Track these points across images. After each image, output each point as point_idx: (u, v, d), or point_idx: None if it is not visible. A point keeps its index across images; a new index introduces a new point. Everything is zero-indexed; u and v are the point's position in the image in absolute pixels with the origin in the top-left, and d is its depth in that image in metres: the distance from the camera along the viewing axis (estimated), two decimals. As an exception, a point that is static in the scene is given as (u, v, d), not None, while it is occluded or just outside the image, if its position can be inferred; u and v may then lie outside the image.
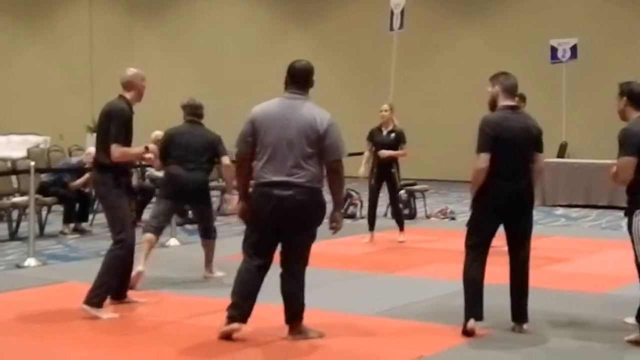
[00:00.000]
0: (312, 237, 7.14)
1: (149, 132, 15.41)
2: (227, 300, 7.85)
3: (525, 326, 7.42)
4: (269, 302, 7.23)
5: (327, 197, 7.07)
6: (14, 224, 12.96)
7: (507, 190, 7.22)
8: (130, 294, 8.40)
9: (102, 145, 7.91)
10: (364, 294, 9.17)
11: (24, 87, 28.07)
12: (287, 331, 7.14)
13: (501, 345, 7.11)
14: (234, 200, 9.56)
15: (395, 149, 12.43)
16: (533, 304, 7.54)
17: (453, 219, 15.48)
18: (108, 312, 7.83)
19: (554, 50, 19.99)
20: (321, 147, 6.96)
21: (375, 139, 12.51)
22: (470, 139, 20.44)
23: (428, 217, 15.72)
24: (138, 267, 9.04)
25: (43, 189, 13.10)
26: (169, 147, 9.67)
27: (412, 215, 15.34)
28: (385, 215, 13.94)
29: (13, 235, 12.76)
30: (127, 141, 7.91)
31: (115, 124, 7.86)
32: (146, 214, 14.45)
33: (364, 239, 12.58)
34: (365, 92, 23.17)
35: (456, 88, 22.77)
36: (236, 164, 7.40)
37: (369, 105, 22.66)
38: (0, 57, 28.68)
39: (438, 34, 23.14)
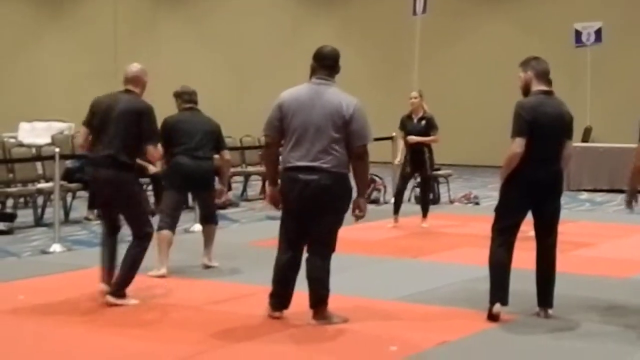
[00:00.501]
0: (338, 222, 7.13)
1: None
2: (249, 286, 7.92)
3: (550, 311, 7.40)
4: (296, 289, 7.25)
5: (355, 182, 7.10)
6: (39, 210, 13.02)
7: (538, 176, 7.18)
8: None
9: (127, 144, 7.68)
10: (388, 278, 9.17)
11: (48, 73, 28.17)
12: (312, 316, 7.15)
13: (526, 330, 7.09)
14: (223, 191, 9.72)
15: (427, 135, 12.40)
16: (558, 288, 7.52)
17: (477, 204, 15.45)
18: (131, 299, 7.84)
19: (578, 34, 19.88)
20: (347, 132, 6.96)
21: (407, 127, 12.48)
22: (493, 124, 20.65)
23: (452, 202, 15.69)
24: (161, 269, 9.07)
25: (68, 175, 13.15)
26: (170, 136, 9.34)
27: (435, 200, 15.32)
28: (409, 200, 13.92)
29: (38, 222, 12.82)
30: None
31: (153, 123, 7.81)
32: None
33: (389, 223, 12.58)
34: (389, 77, 23.13)
35: (479, 73, 22.70)
36: (265, 149, 7.47)
37: (392, 90, 22.70)
38: (24, 43, 28.78)
39: (462, 19, 23.04)
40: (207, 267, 9.55)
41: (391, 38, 23.24)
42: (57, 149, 11.55)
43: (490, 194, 15.91)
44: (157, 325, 7.29)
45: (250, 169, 16.57)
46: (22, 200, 14.22)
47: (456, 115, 22.01)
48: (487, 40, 22.73)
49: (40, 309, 7.68)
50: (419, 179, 13.06)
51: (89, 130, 7.91)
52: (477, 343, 6.81)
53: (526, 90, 7.36)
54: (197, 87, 9.96)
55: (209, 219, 9.73)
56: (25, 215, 13.09)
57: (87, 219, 13.27)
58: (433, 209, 13.07)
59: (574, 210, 14.87)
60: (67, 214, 13.25)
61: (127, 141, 7.67)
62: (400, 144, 12.72)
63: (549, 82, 7.41)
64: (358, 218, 7.17)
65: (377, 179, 15.78)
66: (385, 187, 15.72)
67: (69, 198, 13.54)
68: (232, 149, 14.52)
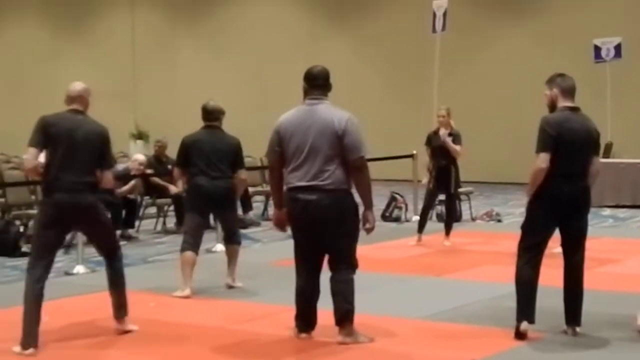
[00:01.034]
0: (351, 238, 7.14)
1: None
2: (272, 306, 7.91)
3: (578, 329, 7.35)
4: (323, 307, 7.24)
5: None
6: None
7: (564, 192, 7.14)
8: None
9: (92, 166, 7.33)
10: (412, 297, 9.13)
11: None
12: (337, 332, 7.14)
13: (554, 348, 7.05)
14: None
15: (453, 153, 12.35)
16: (585, 305, 7.46)
17: (499, 221, 15.38)
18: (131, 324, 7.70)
19: (597, 49, 19.81)
20: (342, 147, 7.00)
21: (433, 143, 12.45)
22: (513, 140, 20.57)
23: (473, 219, 15.62)
24: (185, 290, 9.08)
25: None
26: (188, 156, 9.35)
27: (457, 218, 15.25)
28: (430, 218, 13.89)
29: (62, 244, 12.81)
30: None
31: (110, 149, 7.57)
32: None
33: (411, 241, 12.55)
34: (408, 95, 23.11)
35: (499, 90, 22.65)
36: (268, 173, 7.56)
37: (411, 107, 22.69)
38: (41, 61, 28.89)
39: (480, 36, 23.02)
40: (231, 287, 9.53)
41: (409, 55, 23.22)
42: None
43: (511, 211, 15.87)
44: (183, 345, 7.28)
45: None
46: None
47: (476, 131, 21.90)
48: (506, 56, 22.69)
49: (66, 330, 7.70)
50: (441, 197, 13.03)
51: (38, 151, 7.30)
52: (505, 361, 6.77)
53: (552, 108, 7.33)
54: (215, 104, 9.89)
55: (231, 239, 9.66)
56: (47, 237, 13.07)
57: (109, 239, 13.26)
58: (455, 227, 13.03)
59: (598, 226, 14.77)
60: (89, 235, 13.24)
61: (94, 165, 7.35)
62: (425, 161, 12.66)
63: (574, 99, 7.39)
64: (368, 231, 7.19)
65: (398, 197, 15.75)
66: (406, 205, 15.68)
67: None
68: (252, 168, 14.57)
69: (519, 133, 19.44)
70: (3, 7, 29.99)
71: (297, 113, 7.20)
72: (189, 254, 9.21)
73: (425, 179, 12.57)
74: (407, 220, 15.31)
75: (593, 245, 11.78)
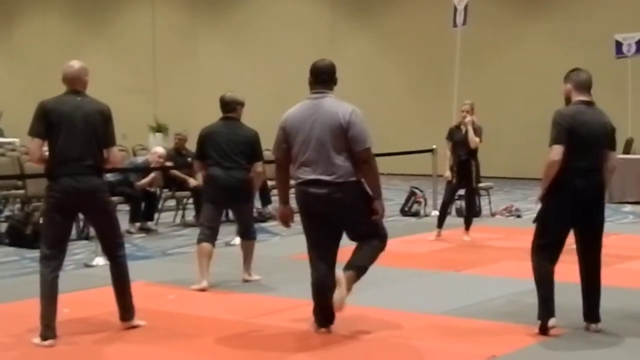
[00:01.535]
0: (370, 220, 7.05)
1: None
2: (290, 299, 7.91)
3: (598, 325, 7.31)
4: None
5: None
6: (82, 224, 13.07)
7: (579, 187, 7.08)
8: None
9: (96, 148, 7.17)
10: (432, 292, 9.10)
11: (88, 86, 28.33)
12: (342, 270, 7.03)
13: (575, 344, 7.00)
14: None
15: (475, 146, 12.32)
16: (605, 302, 7.42)
17: (519, 216, 15.33)
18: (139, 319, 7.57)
19: (619, 45, 19.70)
20: (347, 139, 6.98)
21: (454, 138, 12.41)
22: (533, 136, 20.47)
23: (493, 214, 15.58)
24: (202, 283, 9.08)
25: (109, 189, 13.15)
26: (204, 147, 9.34)
27: (477, 213, 15.22)
28: (450, 213, 13.86)
29: (81, 235, 12.86)
30: None
31: (112, 125, 7.29)
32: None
33: (431, 236, 12.53)
34: (429, 89, 23.07)
35: (520, 86, 22.58)
36: (275, 169, 7.51)
37: (432, 102, 22.65)
38: (64, 57, 28.82)
39: (501, 32, 22.94)
40: (247, 281, 9.51)
41: (430, 50, 23.16)
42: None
43: (531, 207, 15.77)
44: (201, 337, 7.28)
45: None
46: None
47: (496, 127, 21.87)
48: (527, 52, 22.61)
49: (85, 322, 7.71)
50: (460, 192, 13.00)
51: (42, 140, 7.15)
52: (527, 358, 6.73)
53: (568, 102, 7.32)
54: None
55: (245, 234, 9.56)
56: (67, 229, 13.13)
57: (128, 232, 13.30)
58: (475, 222, 13.00)
59: (618, 222, 14.71)
60: (108, 227, 13.27)
61: (98, 146, 7.18)
62: (447, 155, 12.62)
63: (589, 93, 7.35)
64: (377, 220, 7.16)
65: (417, 191, 15.72)
66: (425, 199, 15.65)
67: (110, 211, 13.56)
68: (271, 162, 14.54)
69: (539, 129, 19.28)
70: (25, 2, 30.10)
71: (302, 108, 7.19)
72: (204, 245, 9.19)
73: (447, 173, 12.52)
74: (426, 215, 15.28)
75: (613, 241, 11.81)
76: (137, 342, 7.16)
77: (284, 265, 10.35)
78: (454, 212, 14.45)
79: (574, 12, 22.31)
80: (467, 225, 12.56)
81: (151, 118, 25.91)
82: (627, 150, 19.39)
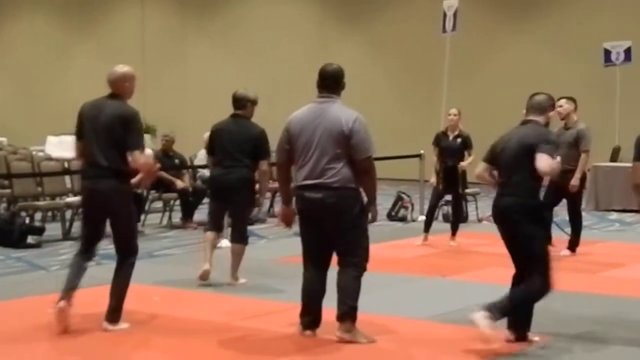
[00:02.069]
0: (360, 235, 7.11)
1: (199, 131, 15.42)
2: (277, 303, 7.89)
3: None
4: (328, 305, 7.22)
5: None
6: (68, 224, 13.05)
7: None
8: None
9: (116, 150, 7.26)
10: (418, 297, 9.10)
11: (75, 87, 28.25)
12: (337, 327, 7.11)
13: (558, 352, 7.01)
14: (265, 204, 9.65)
15: (462, 153, 12.37)
16: (591, 310, 7.45)
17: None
18: (123, 322, 7.54)
19: (607, 53, 19.74)
20: (349, 147, 6.99)
21: (441, 144, 12.43)
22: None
23: (480, 220, 15.58)
24: (204, 265, 9.29)
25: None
26: (212, 145, 9.54)
27: (463, 219, 15.22)
28: (436, 218, 13.86)
29: (66, 235, 12.84)
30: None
31: (137, 129, 7.34)
32: (196, 215, 14.57)
33: (417, 241, 12.53)
34: (418, 95, 23.08)
35: (508, 92, 22.53)
36: (276, 170, 7.58)
37: (421, 107, 22.66)
38: (52, 57, 28.93)
39: (491, 39, 22.97)
40: (232, 285, 9.47)
41: (419, 56, 23.18)
42: (86, 163, 11.55)
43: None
44: (186, 340, 7.26)
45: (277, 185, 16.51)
46: (50, 213, 14.25)
47: (484, 132, 21.82)
48: (516, 59, 22.64)
49: (71, 322, 7.67)
50: (447, 197, 13.02)
51: (79, 141, 7.51)
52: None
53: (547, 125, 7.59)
54: (225, 100, 9.89)
55: (236, 237, 9.52)
56: (53, 229, 13.12)
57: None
58: (461, 228, 13.01)
59: (604, 230, 14.75)
60: (95, 228, 13.23)
61: (118, 150, 7.27)
62: (433, 161, 12.63)
63: (536, 113, 7.52)
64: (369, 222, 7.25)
65: (404, 196, 15.73)
66: (412, 204, 15.66)
67: (97, 212, 13.52)
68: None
69: (527, 135, 19.41)
70: (13, 3, 30.03)
71: (307, 111, 7.21)
72: (208, 233, 9.57)
73: (433, 179, 12.54)
74: (413, 220, 15.29)
75: (599, 249, 11.87)
76: (119, 343, 7.13)
77: (270, 269, 10.35)
78: (440, 217, 14.47)
79: (563, 20, 22.35)
80: (454, 230, 12.58)
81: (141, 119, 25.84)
82: (614, 158, 19.42)
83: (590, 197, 17.04)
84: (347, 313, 7.08)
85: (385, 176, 21.70)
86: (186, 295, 8.91)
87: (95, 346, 7.08)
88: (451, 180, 12.37)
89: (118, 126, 7.26)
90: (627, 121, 19.55)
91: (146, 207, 14.45)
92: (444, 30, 17.18)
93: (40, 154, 18.96)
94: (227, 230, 12.23)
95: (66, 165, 14.50)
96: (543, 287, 6.87)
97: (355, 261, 7.11)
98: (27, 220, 12.88)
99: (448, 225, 12.89)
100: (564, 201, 11.45)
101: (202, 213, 14.74)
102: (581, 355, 6.97)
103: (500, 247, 12.17)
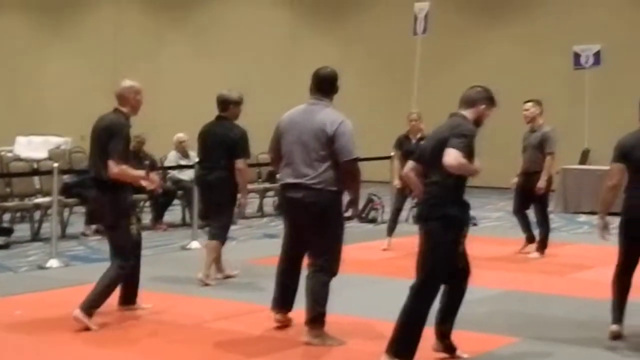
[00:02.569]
0: (333, 239, 7.17)
1: (172, 131, 15.39)
2: (248, 304, 7.92)
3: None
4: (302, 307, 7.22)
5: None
6: (37, 225, 12.98)
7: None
8: (139, 300, 8.26)
9: (102, 161, 7.51)
10: (387, 299, 9.05)
11: (46, 87, 28.12)
12: (306, 331, 7.14)
13: (526, 354, 7.05)
14: (246, 204, 9.71)
15: None
16: (556, 311, 7.49)
17: (475, 224, 15.36)
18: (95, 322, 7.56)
19: (577, 56, 19.86)
20: (332, 149, 7.06)
21: (404, 147, 12.37)
22: (490, 144, 20.35)
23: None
24: (200, 275, 9.40)
25: (65, 190, 13.12)
26: (199, 146, 9.70)
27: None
28: (406, 220, 13.89)
29: (35, 236, 12.78)
30: (126, 158, 7.61)
31: (116, 139, 7.49)
32: (166, 216, 14.53)
33: (382, 245, 12.42)
34: (389, 96, 23.12)
35: (479, 93, 22.68)
36: (271, 166, 7.90)
37: (392, 109, 22.64)
38: (24, 56, 28.72)
39: (462, 40, 23.03)
40: (205, 284, 9.44)
41: (391, 57, 23.23)
42: (55, 164, 11.54)
43: (488, 215, 15.88)
44: (157, 341, 7.26)
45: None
46: (19, 214, 14.18)
47: (454, 135, 21.98)
48: (487, 61, 22.70)
49: (38, 324, 7.65)
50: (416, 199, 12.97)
51: None
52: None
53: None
54: (199, 100, 9.91)
55: (211, 234, 9.59)
56: (22, 230, 13.06)
57: (84, 234, 13.24)
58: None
59: (572, 232, 14.83)
60: (64, 229, 13.20)
61: (101, 159, 7.51)
62: (396, 164, 12.58)
63: (463, 106, 7.36)
64: (348, 219, 7.40)
65: (374, 198, 15.75)
66: (383, 206, 15.67)
67: (66, 213, 13.48)
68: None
69: (496, 137, 19.51)
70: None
71: (297, 112, 7.33)
72: (207, 242, 9.71)
73: (397, 181, 12.45)
74: (383, 222, 15.27)
75: (568, 251, 11.93)
76: (88, 344, 7.12)
77: (241, 270, 10.32)
78: (410, 219, 14.47)
79: (534, 21, 22.43)
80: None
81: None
82: (583, 161, 19.57)
83: (559, 199, 17.14)
84: (316, 318, 7.12)
85: (356, 178, 21.83)
86: (154, 296, 8.86)
87: (61, 347, 7.05)
88: None
89: (104, 137, 7.57)
90: (596, 124, 19.70)
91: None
92: (415, 33, 17.24)
93: (9, 154, 18.84)
94: (197, 232, 12.29)
95: (35, 165, 14.41)
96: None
97: (326, 266, 7.13)
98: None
99: (416, 228, 12.79)
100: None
101: (172, 214, 14.73)
102: (548, 357, 7.01)
103: (469, 250, 12.26)
